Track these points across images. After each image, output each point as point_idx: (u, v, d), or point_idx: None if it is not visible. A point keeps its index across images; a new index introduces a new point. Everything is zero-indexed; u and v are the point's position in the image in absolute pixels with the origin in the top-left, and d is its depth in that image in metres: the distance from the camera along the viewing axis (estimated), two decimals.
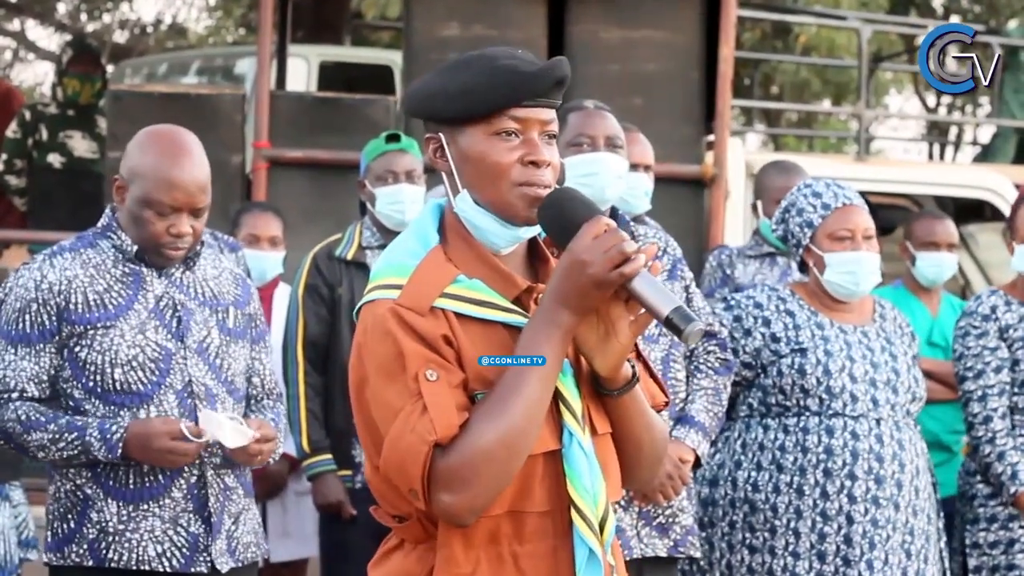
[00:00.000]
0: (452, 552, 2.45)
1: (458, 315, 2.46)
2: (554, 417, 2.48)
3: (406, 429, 2.39)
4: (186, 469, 3.77)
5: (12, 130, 8.03)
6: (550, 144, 2.51)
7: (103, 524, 3.77)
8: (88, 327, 3.74)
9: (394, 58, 10.71)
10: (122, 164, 3.85)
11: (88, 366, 3.75)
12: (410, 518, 2.49)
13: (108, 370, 3.74)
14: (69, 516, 3.81)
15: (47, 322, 3.75)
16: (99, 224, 3.89)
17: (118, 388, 3.75)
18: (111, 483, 3.78)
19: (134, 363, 3.75)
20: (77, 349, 3.75)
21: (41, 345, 3.75)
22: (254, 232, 5.97)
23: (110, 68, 11.46)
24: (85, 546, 3.78)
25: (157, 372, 3.77)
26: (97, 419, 3.72)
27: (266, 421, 3.92)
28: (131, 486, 3.77)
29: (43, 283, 3.75)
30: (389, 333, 2.42)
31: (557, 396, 2.47)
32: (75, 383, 3.76)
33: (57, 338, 3.75)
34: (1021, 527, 4.82)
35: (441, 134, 2.52)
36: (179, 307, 3.83)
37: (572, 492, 2.47)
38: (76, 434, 3.69)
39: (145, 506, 3.77)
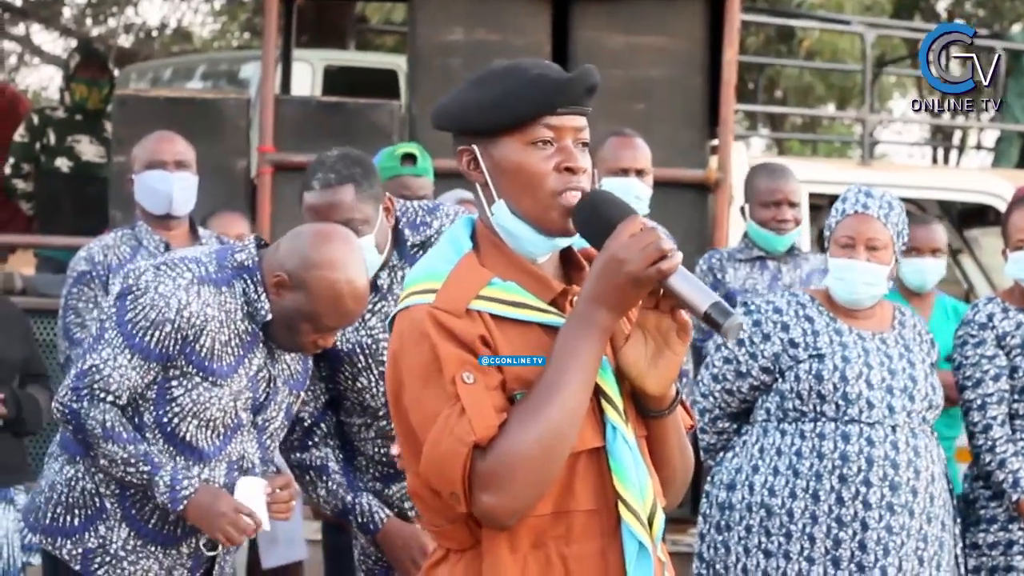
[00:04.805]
0: (499, 556, 2.44)
1: (494, 316, 2.46)
2: (595, 414, 2.48)
3: (445, 432, 2.39)
4: (201, 532, 3.79)
5: (20, 134, 8.04)
6: (583, 151, 2.52)
7: (106, 542, 3.79)
8: (199, 373, 3.70)
9: (399, 62, 10.72)
10: (285, 256, 3.72)
11: (174, 405, 3.72)
12: (453, 524, 2.48)
13: (188, 419, 3.72)
14: (77, 512, 3.81)
15: (171, 348, 3.68)
16: (238, 256, 3.78)
17: (185, 438, 3.74)
18: (133, 511, 3.79)
19: (212, 423, 3.74)
20: (175, 383, 3.71)
21: (154, 363, 3.69)
22: (224, 231, 5.95)
23: (116, 72, 11.47)
24: (80, 550, 3.80)
25: (223, 438, 3.77)
26: (171, 465, 3.70)
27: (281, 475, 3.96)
28: (149, 524, 3.80)
29: (184, 310, 3.66)
30: (426, 336, 2.42)
31: (598, 392, 2.47)
32: (151, 408, 3.73)
33: (169, 363, 3.71)
34: (1020, 529, 4.84)
35: (475, 146, 2.52)
36: (271, 383, 3.82)
37: (619, 486, 2.46)
38: (149, 468, 3.67)
39: (153, 547, 3.80)
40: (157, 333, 3.67)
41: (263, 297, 3.73)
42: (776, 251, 5.92)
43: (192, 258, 3.77)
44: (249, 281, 3.74)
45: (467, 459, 2.37)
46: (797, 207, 5.91)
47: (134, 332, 3.68)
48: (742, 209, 6.09)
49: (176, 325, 3.66)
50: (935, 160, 16.90)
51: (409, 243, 3.99)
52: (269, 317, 3.73)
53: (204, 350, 3.69)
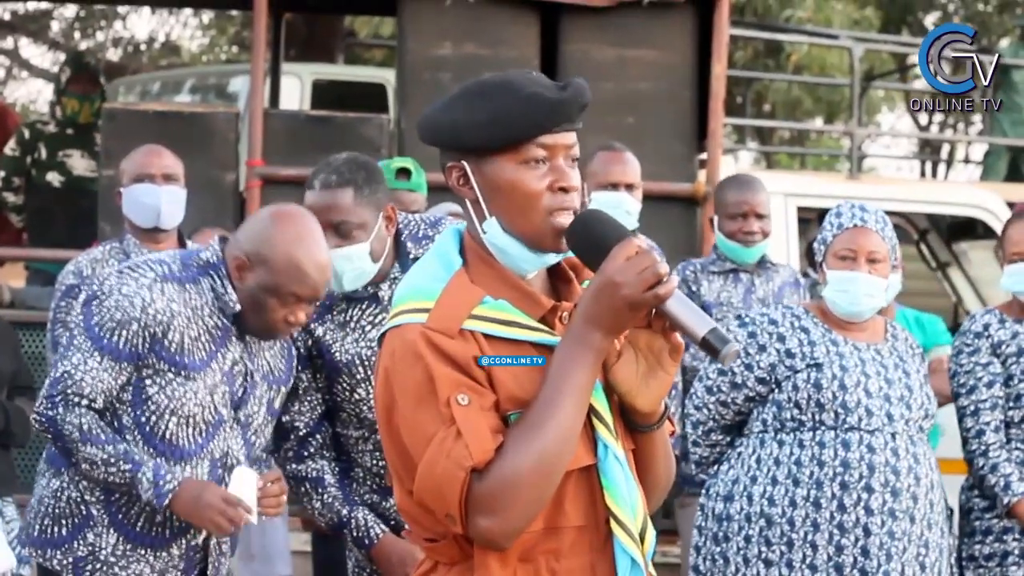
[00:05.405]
0: (488, 570, 2.44)
1: (487, 336, 2.45)
2: (587, 432, 2.48)
3: (441, 455, 2.38)
4: (191, 532, 3.79)
5: (11, 148, 8.03)
6: (573, 167, 2.51)
7: (96, 549, 3.78)
8: (171, 368, 3.71)
9: (387, 76, 10.74)
10: (243, 239, 3.77)
11: (150, 404, 3.72)
12: (444, 539, 2.48)
13: (166, 417, 3.72)
14: (64, 522, 3.81)
15: (140, 346, 3.69)
16: (203, 255, 3.81)
17: (166, 437, 3.73)
18: (119, 516, 3.79)
19: (191, 420, 3.73)
20: (148, 382, 3.72)
21: (125, 364, 3.70)
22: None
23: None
24: (71, 559, 3.80)
25: (204, 435, 3.76)
26: (153, 461, 3.70)
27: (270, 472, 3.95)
28: (137, 528, 3.79)
29: (149, 308, 3.68)
30: (420, 357, 2.41)
31: (589, 410, 2.47)
32: (129, 410, 3.74)
33: (140, 362, 3.71)
34: (1015, 539, 4.87)
35: (465, 162, 2.50)
36: (248, 377, 3.81)
37: (610, 503, 2.47)
38: (130, 467, 3.67)
39: (142, 551, 3.79)
40: (124, 333, 3.69)
41: (230, 289, 3.75)
42: (745, 263, 5.89)
43: (156, 260, 3.81)
44: (215, 276, 3.77)
45: (464, 483, 2.37)
46: (765, 219, 5.86)
47: (102, 334, 3.69)
48: (711, 220, 6.07)
49: (142, 323, 3.68)
50: (923, 174, 16.96)
51: (412, 256, 3.99)
52: (238, 308, 3.75)
53: (174, 345, 3.70)
